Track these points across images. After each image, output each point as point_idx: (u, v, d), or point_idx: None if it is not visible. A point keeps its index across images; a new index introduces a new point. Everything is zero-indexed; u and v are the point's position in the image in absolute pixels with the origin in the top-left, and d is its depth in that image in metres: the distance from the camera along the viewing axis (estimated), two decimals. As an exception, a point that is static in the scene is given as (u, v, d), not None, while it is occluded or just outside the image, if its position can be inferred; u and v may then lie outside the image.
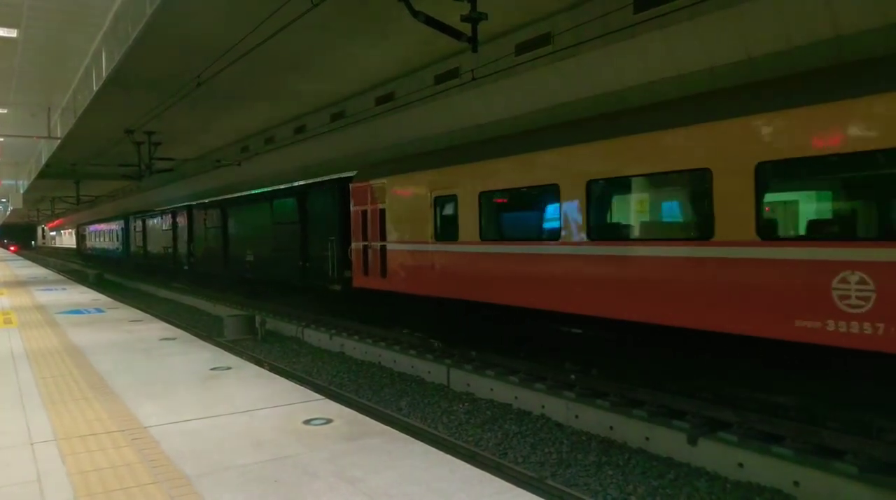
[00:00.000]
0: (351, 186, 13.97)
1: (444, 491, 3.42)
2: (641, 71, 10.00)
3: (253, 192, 22.21)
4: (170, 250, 28.33)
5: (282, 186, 21.15)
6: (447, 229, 11.02)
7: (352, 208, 13.90)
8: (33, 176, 40.18)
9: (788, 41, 8.31)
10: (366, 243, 13.34)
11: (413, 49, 13.24)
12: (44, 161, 32.19)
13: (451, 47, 12.61)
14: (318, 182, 17.41)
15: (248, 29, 10.62)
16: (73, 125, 22.42)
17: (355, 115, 17.06)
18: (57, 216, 71.22)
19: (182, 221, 26.75)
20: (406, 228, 12.11)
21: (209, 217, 23.90)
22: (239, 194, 23.79)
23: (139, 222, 34.39)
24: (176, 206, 29.20)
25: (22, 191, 50.90)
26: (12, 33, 20.89)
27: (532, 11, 11.02)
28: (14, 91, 28.20)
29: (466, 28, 8.57)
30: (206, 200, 26.82)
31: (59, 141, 26.56)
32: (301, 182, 20.09)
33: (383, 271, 12.69)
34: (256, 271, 19.83)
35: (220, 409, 5.08)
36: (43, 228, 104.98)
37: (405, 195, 12.16)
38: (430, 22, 8.19)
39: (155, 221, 31.13)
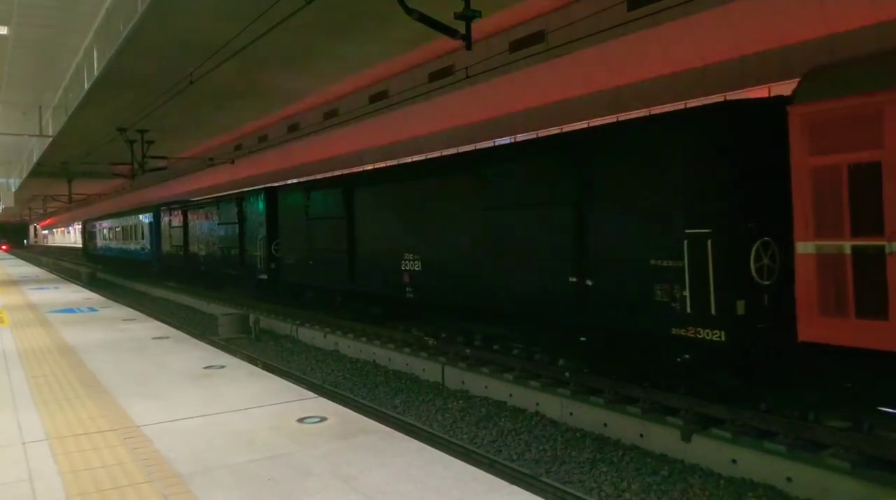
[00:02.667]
0: (804, 108, 6.19)
1: (439, 489, 3.42)
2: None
3: (428, 157, 13.81)
4: (234, 252, 19.63)
5: (516, 140, 13.19)
6: None
7: (797, 162, 6.23)
8: (25, 174, 39.99)
9: (781, 39, 8.34)
10: (875, 244, 5.71)
11: (406, 47, 13.23)
12: (35, 159, 32.06)
13: (445, 45, 12.61)
14: (631, 123, 8.19)
15: (240, 27, 10.59)
16: (64, 124, 22.35)
17: (349, 113, 17.03)
18: (50, 215, 70.84)
19: (255, 210, 18.26)
20: None
21: (316, 204, 15.18)
22: (387, 166, 15.46)
23: (176, 216, 25.45)
24: (247, 190, 20.35)
25: (13, 190, 50.67)
26: (3, 30, 20.77)
27: (525, 9, 11.03)
28: (5, 89, 28.05)
29: (460, 25, 8.57)
30: (311, 179, 17.77)
31: (50, 139, 26.45)
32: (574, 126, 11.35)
33: None
34: (436, 290, 11.18)
35: (214, 408, 5.07)
36: (35, 227, 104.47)
37: None
38: (424, 19, 8.18)
39: (204, 212, 22.47)
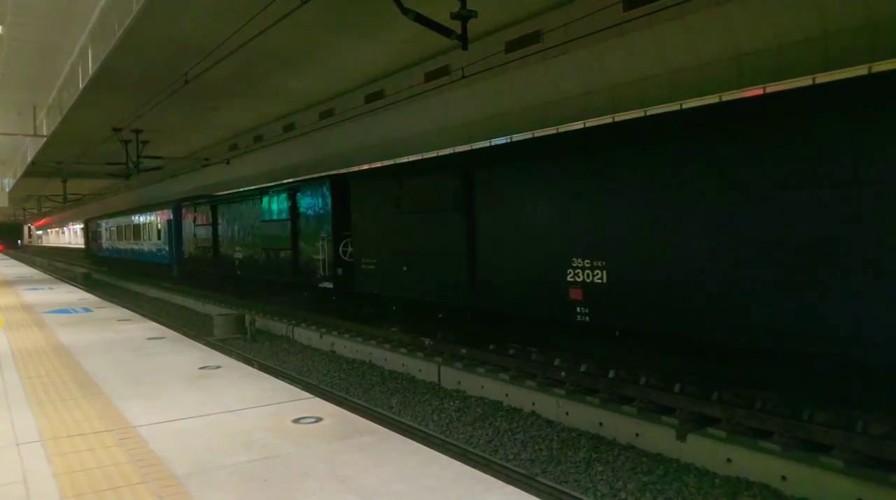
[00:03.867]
0: None
1: (435, 489, 3.42)
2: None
3: (617, 119, 10.61)
4: (284, 255, 16.00)
5: None
6: None
7: None
8: (19, 174, 39.84)
9: (777, 39, 8.37)
10: None
11: (402, 46, 13.23)
12: (30, 159, 31.95)
13: (441, 45, 12.61)
14: None
15: (235, 26, 10.58)
16: (59, 123, 22.28)
17: (344, 112, 17.02)
18: (45, 215, 70.52)
19: (316, 204, 14.65)
20: None
21: (415, 192, 11.44)
22: (538, 135, 11.77)
23: (202, 212, 21.54)
24: (302, 180, 16.77)
25: (7, 189, 50.48)
26: (-3, 30, 20.67)
27: (521, 9, 11.04)
28: (-1, 89, 27.93)
29: (456, 25, 8.58)
30: (404, 162, 13.87)
31: (44, 139, 26.37)
32: None
33: None
34: (638, 312, 7.84)
35: (210, 408, 5.06)
36: (29, 227, 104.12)
37: None
38: (420, 19, 8.19)
39: (240, 208, 18.63)
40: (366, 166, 17.23)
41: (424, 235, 11.18)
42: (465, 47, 8.63)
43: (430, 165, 11.80)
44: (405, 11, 8.07)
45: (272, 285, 17.32)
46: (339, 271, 13.82)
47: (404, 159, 14.99)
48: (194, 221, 22.44)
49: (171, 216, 24.69)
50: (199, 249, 22.08)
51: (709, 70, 9.40)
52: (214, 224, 20.56)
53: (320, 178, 15.17)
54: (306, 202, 15.15)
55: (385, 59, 14.09)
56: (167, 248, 25.41)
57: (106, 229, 37.60)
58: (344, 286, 13.77)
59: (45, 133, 27.23)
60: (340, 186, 13.92)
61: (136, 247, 30.45)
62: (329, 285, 14.08)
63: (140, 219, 29.45)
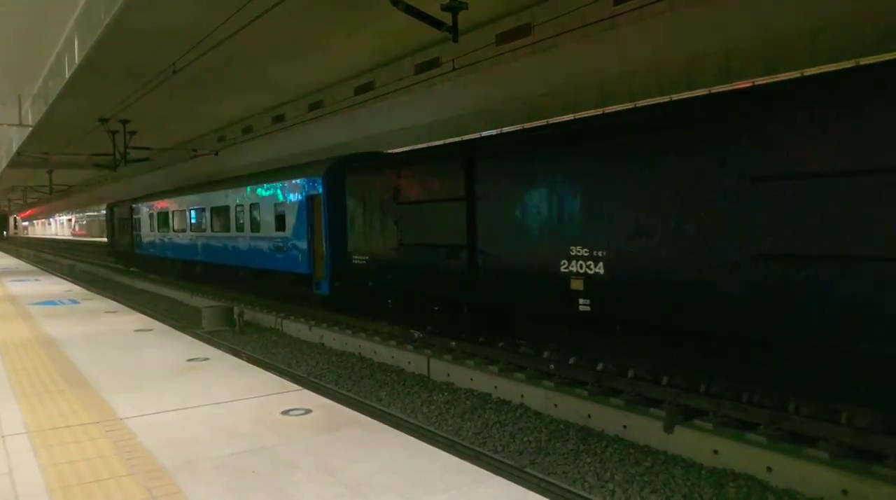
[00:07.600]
0: None
1: (424, 481, 3.43)
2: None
3: None
4: None
5: None
6: None
7: None
8: (4, 165, 39.36)
9: (766, 31, 8.39)
10: None
11: (393, 38, 13.16)
12: (15, 149, 31.57)
13: (432, 37, 12.55)
14: None
15: (224, 16, 10.47)
16: (44, 113, 22.02)
17: (334, 104, 16.92)
18: (31, 205, 69.62)
19: None
20: None
21: None
22: None
23: (424, 179, 11.02)
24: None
25: (-8, 180, 49.84)
26: (-19, 18, 20.36)
27: (512, 1, 11.02)
28: (-17, 78, 27.54)
29: (447, 17, 8.54)
30: None
31: (30, 129, 26.06)
32: None
33: None
34: None
35: (198, 400, 5.04)
36: (15, 219, 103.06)
37: None
38: (410, 10, 8.14)
39: (624, 156, 7.39)
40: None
41: None
42: (455, 39, 8.59)
43: None
44: (396, 3, 8.03)
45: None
46: None
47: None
48: (395, 197, 11.74)
49: (321, 189, 14.02)
50: (406, 250, 11.58)
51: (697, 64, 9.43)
52: (471, 202, 10.08)
53: None
54: None
55: (375, 50, 14.01)
56: (303, 246, 14.73)
57: (152, 215, 25.47)
58: None
59: (30, 123, 26.90)
60: None
61: (219, 243, 19.15)
62: None
63: (232, 198, 18.19)
